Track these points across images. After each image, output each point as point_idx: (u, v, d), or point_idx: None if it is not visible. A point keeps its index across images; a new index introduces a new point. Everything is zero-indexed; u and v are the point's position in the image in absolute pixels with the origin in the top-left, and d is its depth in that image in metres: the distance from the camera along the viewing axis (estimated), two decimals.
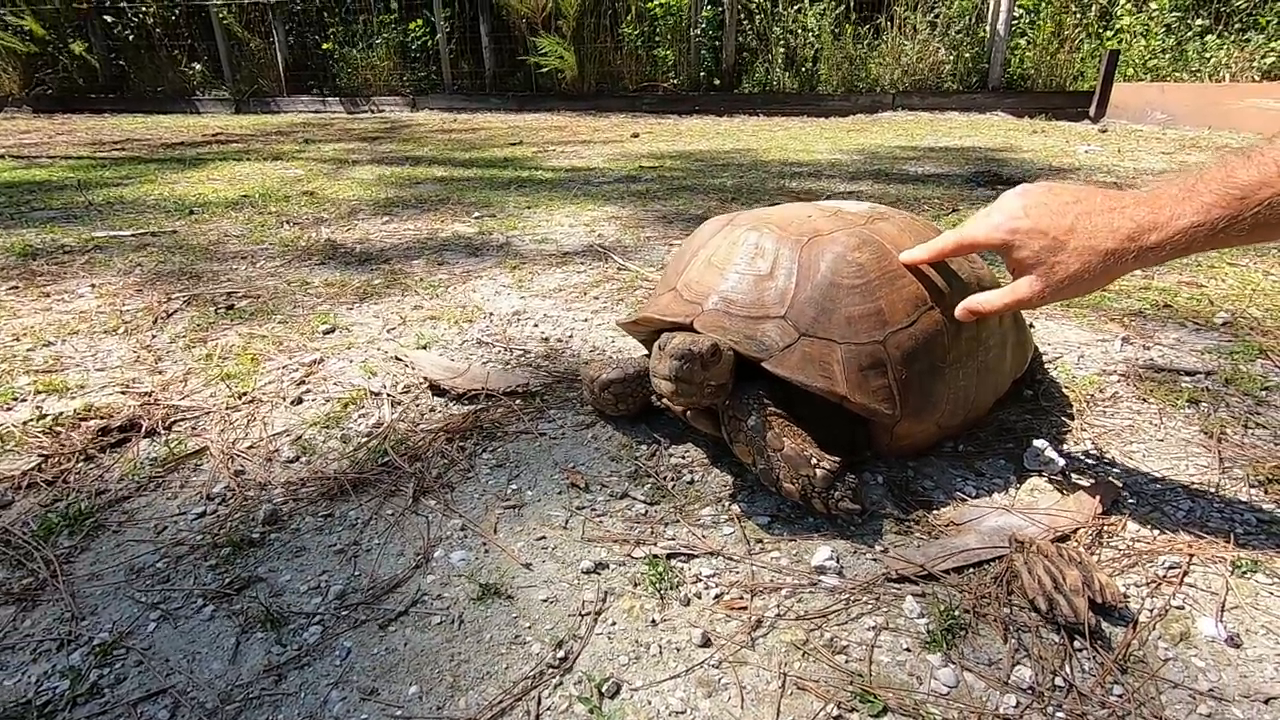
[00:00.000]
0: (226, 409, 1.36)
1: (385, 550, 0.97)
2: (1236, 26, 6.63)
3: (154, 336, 1.74)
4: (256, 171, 4.19)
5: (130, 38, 9.01)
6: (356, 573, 0.93)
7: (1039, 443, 1.14)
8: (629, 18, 7.93)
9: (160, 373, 1.53)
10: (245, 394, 1.42)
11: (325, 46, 8.80)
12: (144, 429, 1.28)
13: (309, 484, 1.12)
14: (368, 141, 5.67)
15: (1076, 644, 0.79)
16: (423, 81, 8.74)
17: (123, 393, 1.43)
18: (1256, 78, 6.23)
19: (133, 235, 2.71)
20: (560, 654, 0.79)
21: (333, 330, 1.77)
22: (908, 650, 0.79)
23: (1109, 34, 7.17)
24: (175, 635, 0.83)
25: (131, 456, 1.20)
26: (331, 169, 4.28)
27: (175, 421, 1.32)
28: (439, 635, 0.83)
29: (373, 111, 8.54)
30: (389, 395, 1.41)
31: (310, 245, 2.57)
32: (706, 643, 0.81)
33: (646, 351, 1.35)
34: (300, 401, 1.40)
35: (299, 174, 4.10)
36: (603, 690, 0.75)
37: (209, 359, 1.59)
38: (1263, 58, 6.29)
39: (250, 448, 1.23)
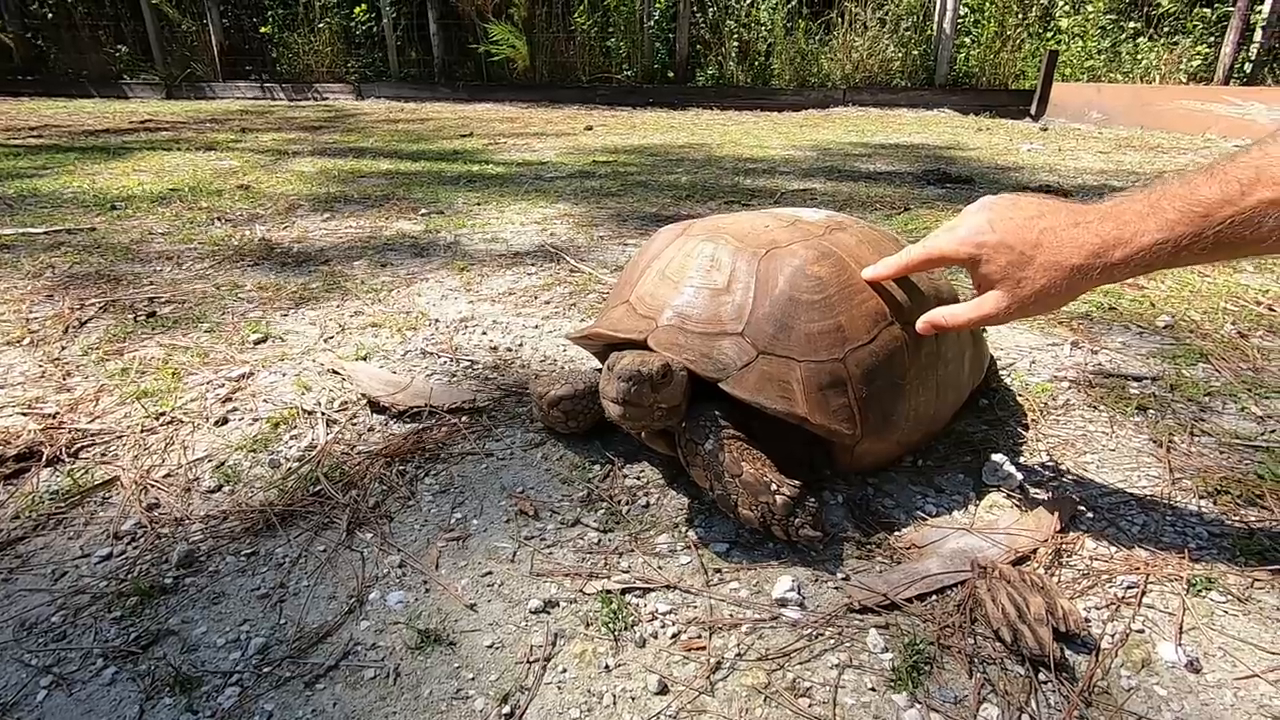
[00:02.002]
0: (142, 431, 1.25)
1: (315, 593, 0.89)
2: (1165, 30, 6.90)
3: (63, 348, 1.59)
4: (187, 163, 3.96)
5: (49, 16, 8.44)
6: (282, 621, 0.85)
7: (997, 457, 1.13)
8: (581, 7, 7.80)
9: (68, 390, 1.40)
10: (164, 414, 1.31)
11: (263, 30, 8.41)
12: (45, 457, 1.16)
13: (231, 518, 1.03)
14: (309, 131, 5.44)
15: (1041, 676, 0.77)
16: (368, 69, 8.44)
17: (23, 414, 1.30)
18: (1183, 79, 6.51)
19: (45, 233, 2.51)
20: (506, 709, 0.73)
21: (264, 340, 1.66)
22: (873, 690, 0.76)
23: (1049, 35, 7.38)
24: (69, 705, 0.74)
25: (30, 489, 1.09)
26: (269, 161, 4.08)
27: (82, 447, 1.21)
28: (372, 692, 0.76)
29: (315, 99, 8.21)
30: (324, 414, 1.31)
31: (243, 245, 2.43)
32: (663, 689, 0.76)
33: (599, 364, 1.29)
34: (225, 422, 1.30)
35: (234, 166, 3.89)
36: None
37: (124, 374, 1.47)
38: (1189, 61, 6.57)
39: (167, 476, 1.13)
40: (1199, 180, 0.75)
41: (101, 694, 0.75)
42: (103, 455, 1.19)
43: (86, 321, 1.75)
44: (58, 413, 1.30)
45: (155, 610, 0.86)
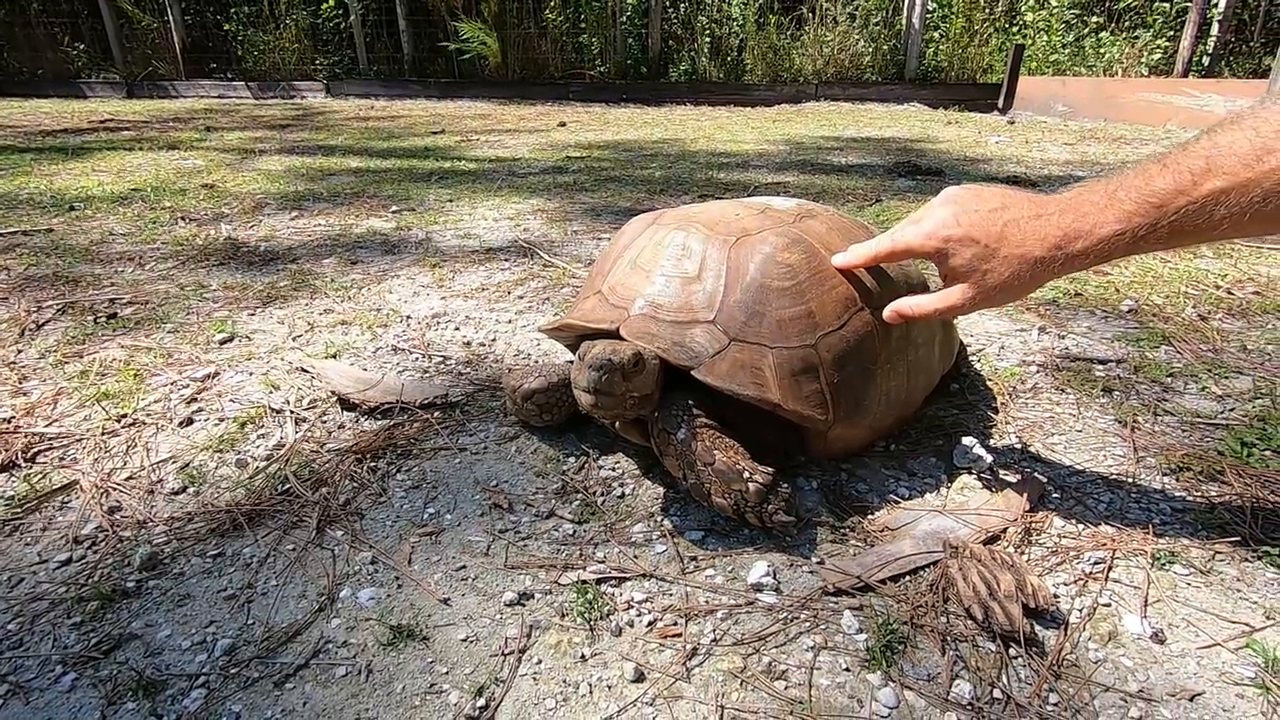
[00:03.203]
0: (102, 434, 1.22)
1: (284, 593, 0.87)
2: (1127, 25, 7.06)
3: (20, 352, 1.55)
4: (149, 162, 3.87)
5: (1, 13, 8.17)
6: (249, 621, 0.83)
7: (967, 440, 1.14)
8: (553, 3, 7.75)
9: (24, 394, 1.36)
10: (125, 416, 1.27)
11: (227, 27, 8.23)
12: None
13: (196, 519, 1.01)
14: (276, 130, 5.34)
15: (1012, 652, 0.78)
16: (337, 66, 8.31)
17: None
18: (1145, 72, 6.66)
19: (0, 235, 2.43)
20: (481, 702, 0.73)
21: (231, 339, 1.62)
22: (847, 670, 0.76)
23: (1014, 29, 7.50)
24: (27, 713, 0.71)
25: None
26: (235, 159, 4.00)
27: (39, 452, 1.17)
28: (344, 690, 0.74)
29: (283, 98, 8.07)
30: (292, 412, 1.29)
31: (208, 244, 2.37)
32: (640, 677, 0.76)
33: (573, 357, 1.29)
34: (190, 423, 1.27)
35: (198, 165, 3.81)
36: None
37: (84, 376, 1.43)
38: (1150, 54, 6.72)
39: (129, 479, 1.10)
40: (1153, 171, 0.76)
41: (61, 701, 0.73)
42: (61, 459, 1.15)
43: (44, 324, 1.70)
44: (13, 417, 1.26)
45: (117, 614, 0.84)
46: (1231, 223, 0.72)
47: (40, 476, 1.10)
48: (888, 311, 0.99)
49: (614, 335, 1.02)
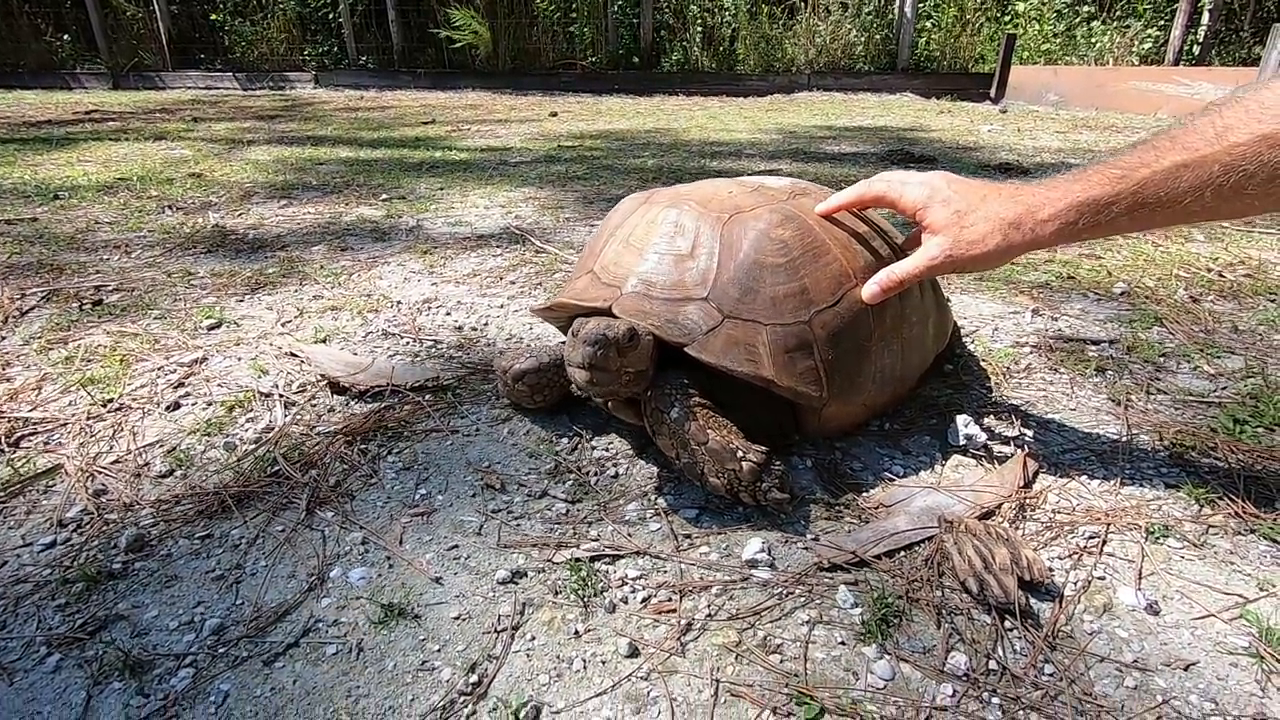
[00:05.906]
0: (88, 419, 1.20)
1: (273, 573, 0.86)
2: (1118, 14, 7.06)
3: (3, 339, 1.52)
4: (136, 152, 3.82)
5: None
6: (238, 601, 0.82)
7: (961, 418, 1.13)
8: None
9: (8, 380, 1.33)
10: (111, 401, 1.26)
11: (213, 17, 8.13)
12: None
13: (184, 501, 0.99)
14: (265, 120, 5.28)
15: (1007, 624, 0.78)
16: (326, 56, 8.23)
17: None
18: (1135, 61, 6.67)
19: None
20: (473, 678, 0.72)
21: (218, 325, 1.60)
22: (843, 644, 0.76)
23: (1006, 18, 7.50)
24: (10, 695, 0.70)
25: None
26: (223, 150, 3.95)
27: (23, 436, 1.15)
28: (334, 668, 0.73)
29: (271, 88, 7.98)
30: (281, 396, 1.27)
31: (195, 232, 2.34)
32: (634, 652, 0.75)
33: (564, 339, 1.27)
34: (177, 407, 1.25)
35: (185, 155, 3.76)
36: (520, 716, 0.68)
37: (69, 362, 1.40)
38: (1141, 43, 6.74)
39: (115, 463, 1.08)
40: (1125, 152, 0.83)
41: (45, 681, 0.72)
42: (45, 444, 1.13)
43: (28, 311, 1.67)
44: None
45: (103, 596, 0.83)
46: (1194, 197, 0.76)
47: (24, 461, 1.08)
48: (868, 289, 0.99)
49: (607, 313, 1.01)
